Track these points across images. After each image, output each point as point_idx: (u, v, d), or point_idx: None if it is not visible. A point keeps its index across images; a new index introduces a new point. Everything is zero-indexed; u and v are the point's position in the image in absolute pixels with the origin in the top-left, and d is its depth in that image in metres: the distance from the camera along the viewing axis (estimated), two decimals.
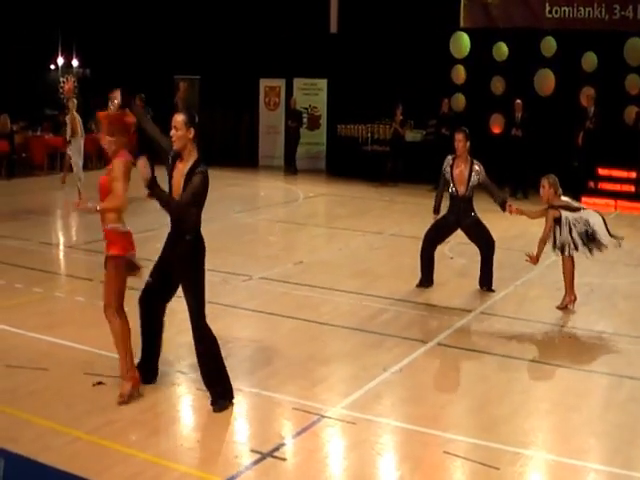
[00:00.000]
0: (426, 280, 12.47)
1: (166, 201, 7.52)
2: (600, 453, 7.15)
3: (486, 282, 12.28)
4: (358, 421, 7.50)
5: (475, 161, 12.15)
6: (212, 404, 7.73)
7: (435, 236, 12.54)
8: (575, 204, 11.47)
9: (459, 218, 12.27)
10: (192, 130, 7.77)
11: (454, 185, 12.16)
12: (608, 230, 11.19)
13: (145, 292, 8.08)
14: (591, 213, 11.26)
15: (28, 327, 9.80)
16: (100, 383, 8.12)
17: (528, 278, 12.81)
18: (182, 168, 7.72)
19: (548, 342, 10.30)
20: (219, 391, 7.79)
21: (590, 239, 11.10)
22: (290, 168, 26.75)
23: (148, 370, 8.19)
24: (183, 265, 7.77)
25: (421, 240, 12.50)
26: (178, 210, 7.63)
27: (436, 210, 12.55)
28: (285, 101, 28.31)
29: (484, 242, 12.30)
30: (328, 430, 7.38)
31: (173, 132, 7.72)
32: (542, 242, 11.20)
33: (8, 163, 24.02)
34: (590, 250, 11.18)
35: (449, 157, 12.30)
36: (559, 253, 11.29)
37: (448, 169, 12.19)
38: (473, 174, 12.05)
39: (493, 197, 12.21)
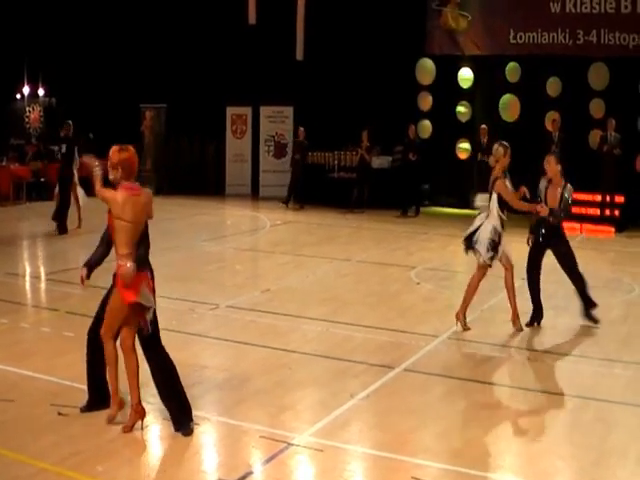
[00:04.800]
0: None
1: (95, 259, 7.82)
2: (567, 475, 7.18)
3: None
4: (326, 448, 7.49)
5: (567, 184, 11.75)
6: (178, 429, 7.71)
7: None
8: None
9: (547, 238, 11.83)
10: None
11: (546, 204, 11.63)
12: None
13: (94, 324, 8.09)
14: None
15: None
16: (60, 414, 8.08)
17: (494, 303, 12.84)
18: None
19: (514, 366, 10.35)
20: (183, 414, 7.78)
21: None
22: (296, 203, 25.63)
23: (100, 396, 8.19)
24: None
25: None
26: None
27: None
28: (252, 129, 28.39)
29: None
30: (296, 458, 7.36)
31: (109, 172, 7.73)
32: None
33: None
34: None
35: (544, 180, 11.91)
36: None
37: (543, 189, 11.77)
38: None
39: None
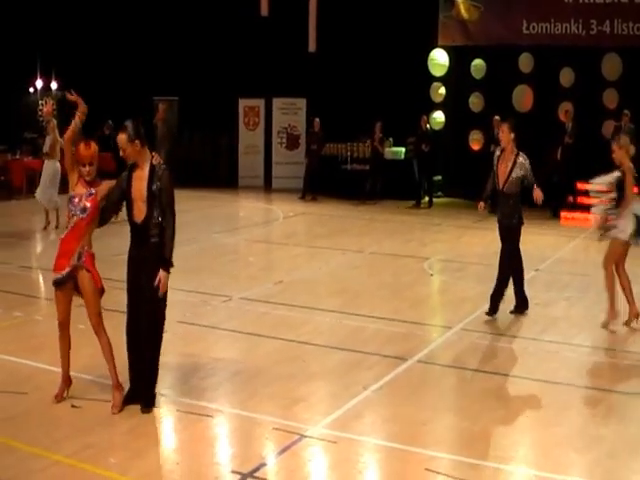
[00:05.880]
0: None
1: (170, 246, 7.87)
2: (580, 467, 7.15)
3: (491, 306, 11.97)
4: (339, 440, 7.49)
5: (521, 154, 11.70)
6: (145, 407, 7.95)
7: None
8: None
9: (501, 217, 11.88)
10: (137, 142, 7.87)
11: (497, 179, 11.73)
12: None
13: (129, 323, 8.20)
14: None
15: (8, 351, 9.75)
16: (74, 406, 8.11)
17: (507, 294, 12.79)
18: (141, 174, 7.92)
19: (527, 357, 10.30)
20: (153, 394, 8.09)
21: None
22: (310, 194, 25.43)
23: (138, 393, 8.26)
24: (152, 267, 7.90)
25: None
26: (174, 231, 7.89)
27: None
28: (265, 121, 28.44)
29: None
30: (309, 449, 7.36)
31: (122, 153, 7.93)
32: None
33: None
34: None
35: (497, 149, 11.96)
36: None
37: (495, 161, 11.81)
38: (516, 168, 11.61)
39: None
